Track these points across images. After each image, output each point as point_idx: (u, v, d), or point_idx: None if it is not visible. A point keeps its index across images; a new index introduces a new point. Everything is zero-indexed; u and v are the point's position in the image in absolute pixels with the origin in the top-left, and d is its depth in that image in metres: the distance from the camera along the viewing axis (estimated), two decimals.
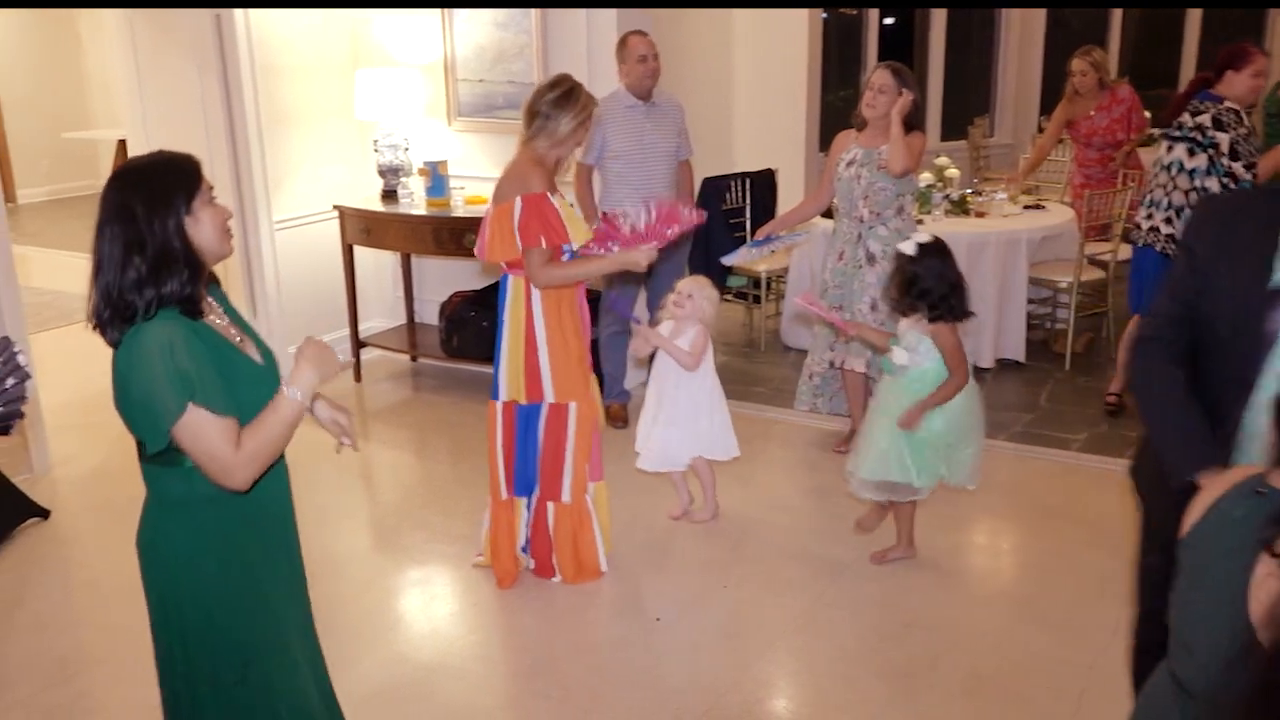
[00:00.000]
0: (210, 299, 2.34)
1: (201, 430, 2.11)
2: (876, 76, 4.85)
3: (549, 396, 4.00)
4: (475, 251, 4.10)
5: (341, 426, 2.59)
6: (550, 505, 4.11)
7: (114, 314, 2.15)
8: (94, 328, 2.21)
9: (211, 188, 2.27)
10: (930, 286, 3.84)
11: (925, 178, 6.54)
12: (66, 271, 8.20)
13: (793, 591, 4.07)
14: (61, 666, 3.66)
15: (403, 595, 4.19)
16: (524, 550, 4.22)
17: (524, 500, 4.16)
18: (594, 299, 4.65)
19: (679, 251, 5.41)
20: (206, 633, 2.31)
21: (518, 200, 3.80)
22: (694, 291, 4.39)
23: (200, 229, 2.20)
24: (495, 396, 4.09)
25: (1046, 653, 3.66)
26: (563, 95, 3.89)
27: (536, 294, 3.91)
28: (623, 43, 5.31)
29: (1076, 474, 5.02)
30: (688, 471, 4.61)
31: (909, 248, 3.89)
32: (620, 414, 5.63)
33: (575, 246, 3.88)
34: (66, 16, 11.42)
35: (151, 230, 2.14)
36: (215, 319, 2.31)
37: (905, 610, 3.94)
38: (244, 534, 2.32)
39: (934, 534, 4.36)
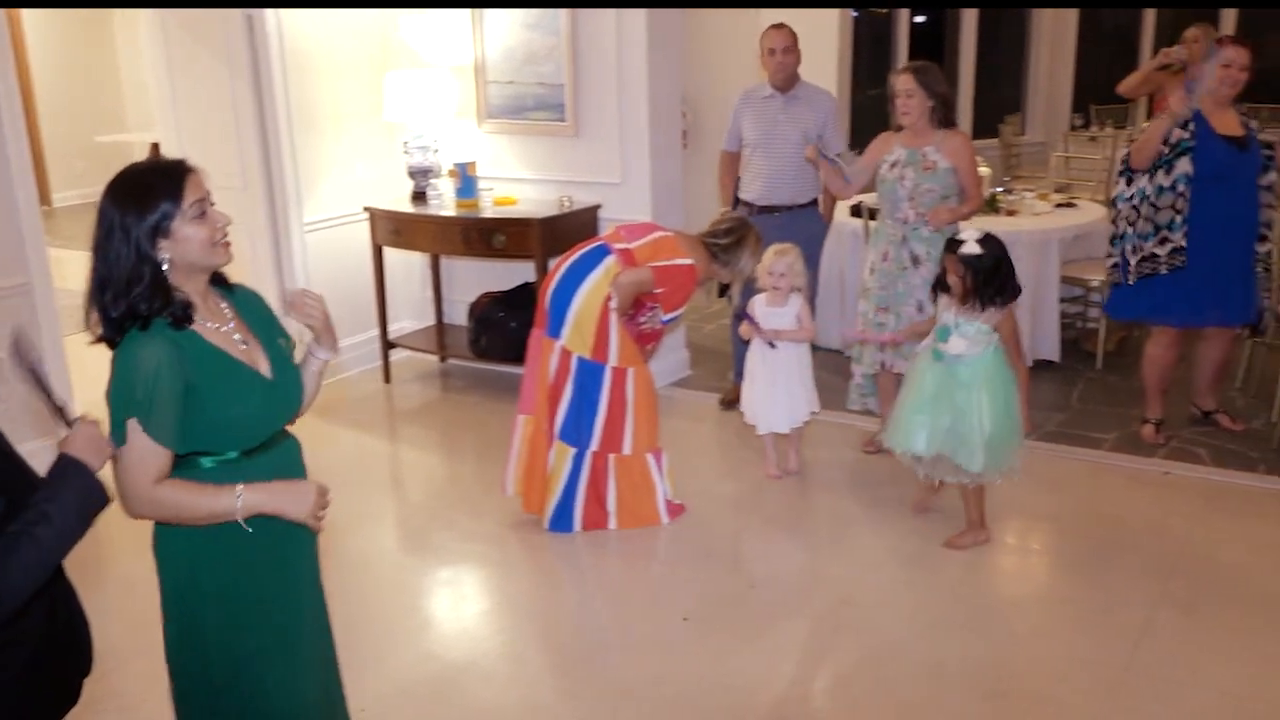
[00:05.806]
0: (224, 302, 2.33)
1: (132, 449, 2.13)
2: (900, 82, 4.80)
3: (612, 360, 4.38)
4: (616, 231, 4.51)
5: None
6: (611, 457, 4.46)
7: (103, 322, 2.17)
8: (91, 335, 2.21)
9: (201, 199, 2.19)
10: (1005, 277, 4.06)
11: None
12: None
13: (821, 590, 4.07)
14: (100, 660, 3.68)
15: (432, 595, 4.21)
16: (567, 504, 4.43)
17: (571, 450, 4.42)
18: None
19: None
20: (200, 633, 2.32)
21: (687, 260, 4.41)
22: (786, 269, 4.77)
23: (181, 247, 2.16)
24: (554, 335, 4.39)
25: (1078, 654, 3.63)
26: (735, 241, 4.55)
27: (618, 284, 4.35)
28: (763, 35, 5.49)
29: (1107, 474, 4.98)
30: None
31: (974, 248, 4.01)
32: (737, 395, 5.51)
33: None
34: (100, 18, 11.49)
35: (122, 251, 2.13)
36: (216, 326, 2.26)
37: (932, 608, 3.93)
38: (243, 538, 2.25)
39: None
